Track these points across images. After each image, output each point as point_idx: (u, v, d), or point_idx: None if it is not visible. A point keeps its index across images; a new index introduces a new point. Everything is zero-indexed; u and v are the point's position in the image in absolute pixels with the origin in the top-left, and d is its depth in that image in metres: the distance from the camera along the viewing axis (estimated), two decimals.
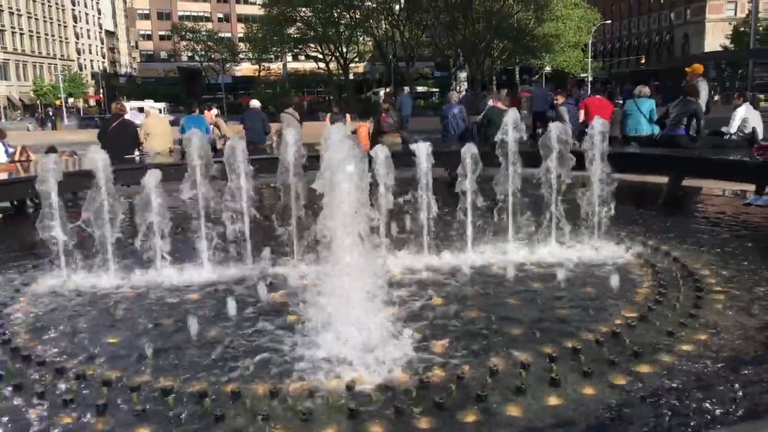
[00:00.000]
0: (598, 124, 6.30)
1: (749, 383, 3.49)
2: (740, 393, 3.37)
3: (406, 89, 35.45)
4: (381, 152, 5.63)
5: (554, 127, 6.26)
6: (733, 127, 9.71)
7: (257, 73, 73.57)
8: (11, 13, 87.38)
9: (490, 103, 15.48)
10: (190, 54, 75.92)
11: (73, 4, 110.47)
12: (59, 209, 5.76)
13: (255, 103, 13.82)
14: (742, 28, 59.71)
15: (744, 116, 9.66)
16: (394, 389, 3.47)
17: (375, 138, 11.70)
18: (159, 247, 5.80)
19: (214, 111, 13.08)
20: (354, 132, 11.80)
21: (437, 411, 3.27)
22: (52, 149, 11.78)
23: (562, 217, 6.28)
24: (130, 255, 6.12)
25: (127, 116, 12.00)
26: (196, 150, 5.84)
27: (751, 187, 8.99)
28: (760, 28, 53.88)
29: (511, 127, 6.15)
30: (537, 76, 58.75)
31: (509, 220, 6.32)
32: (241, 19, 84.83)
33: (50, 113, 61.55)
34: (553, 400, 3.35)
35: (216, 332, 4.46)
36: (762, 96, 35.32)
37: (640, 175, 10.16)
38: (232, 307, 4.83)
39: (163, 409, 3.38)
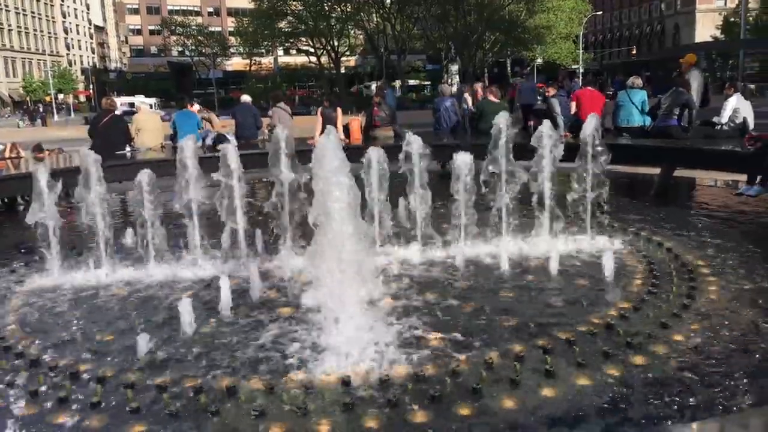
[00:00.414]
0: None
1: (738, 372, 3.52)
2: (728, 380, 3.40)
3: (398, 83, 35.17)
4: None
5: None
6: (724, 117, 9.70)
7: (248, 68, 73.22)
8: None
9: (466, 96, 15.44)
10: (180, 49, 75.51)
11: (62, 0, 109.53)
12: None
13: (246, 98, 13.72)
14: (733, 18, 59.96)
15: (735, 106, 9.64)
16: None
17: (367, 132, 11.67)
18: None
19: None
20: (346, 126, 11.74)
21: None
22: (38, 147, 11.66)
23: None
24: None
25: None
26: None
27: (743, 177, 9.01)
28: (750, 18, 54.08)
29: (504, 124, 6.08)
30: (528, 69, 58.75)
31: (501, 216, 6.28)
32: (231, 12, 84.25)
33: (40, 109, 61.15)
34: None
35: None
36: (753, 86, 35.55)
37: (632, 167, 10.17)
38: None
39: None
